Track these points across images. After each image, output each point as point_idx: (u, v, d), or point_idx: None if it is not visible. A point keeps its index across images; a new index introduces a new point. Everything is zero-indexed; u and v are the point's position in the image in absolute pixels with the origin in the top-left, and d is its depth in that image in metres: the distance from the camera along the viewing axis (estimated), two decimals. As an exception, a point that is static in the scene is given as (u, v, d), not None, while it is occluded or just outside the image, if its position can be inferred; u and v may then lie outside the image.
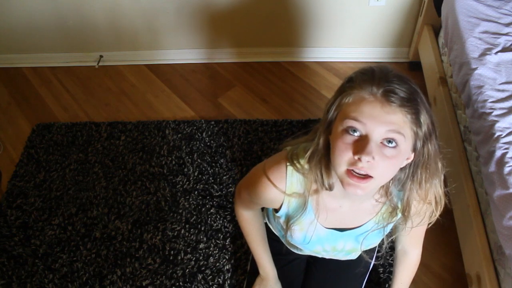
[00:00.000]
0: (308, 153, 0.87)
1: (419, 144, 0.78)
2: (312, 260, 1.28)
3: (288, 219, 1.00)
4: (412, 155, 0.80)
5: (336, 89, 0.82)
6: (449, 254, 1.53)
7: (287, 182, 0.92)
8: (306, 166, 0.89)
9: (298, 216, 0.97)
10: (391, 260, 1.50)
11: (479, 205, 1.34)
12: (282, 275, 1.24)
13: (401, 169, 0.83)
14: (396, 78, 0.75)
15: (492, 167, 1.18)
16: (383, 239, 1.02)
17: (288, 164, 0.91)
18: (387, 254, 1.52)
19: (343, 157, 0.76)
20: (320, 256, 1.17)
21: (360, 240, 1.01)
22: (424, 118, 0.76)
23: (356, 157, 0.74)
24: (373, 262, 1.29)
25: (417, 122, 0.75)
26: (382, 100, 0.73)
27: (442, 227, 1.58)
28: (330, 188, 0.88)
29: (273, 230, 1.25)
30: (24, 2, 2.08)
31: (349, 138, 0.75)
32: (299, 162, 0.90)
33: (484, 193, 1.30)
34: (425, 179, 0.84)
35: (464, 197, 1.39)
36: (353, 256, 1.15)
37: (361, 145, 0.74)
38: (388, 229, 0.99)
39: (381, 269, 1.48)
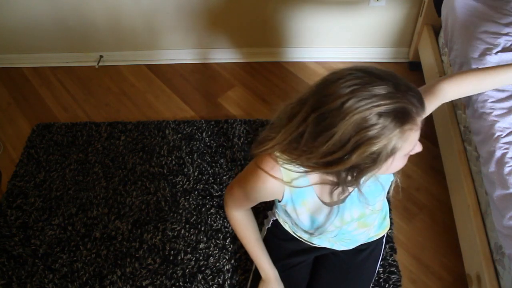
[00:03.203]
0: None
1: None
2: (318, 264, 1.28)
3: (294, 203, 1.00)
4: None
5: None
6: (449, 254, 1.53)
7: (281, 170, 0.91)
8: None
9: (302, 198, 0.98)
10: (391, 260, 1.50)
11: (479, 205, 1.34)
12: (287, 279, 1.23)
13: None
14: (410, 85, 0.76)
15: (492, 167, 1.18)
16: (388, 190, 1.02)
17: (277, 154, 0.89)
18: (387, 254, 1.52)
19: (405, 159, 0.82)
20: (333, 237, 1.14)
21: (363, 200, 0.98)
22: None
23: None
24: (379, 264, 1.30)
25: None
26: (417, 122, 0.76)
27: (442, 227, 1.59)
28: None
29: (285, 226, 1.24)
30: (24, 2, 2.08)
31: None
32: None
33: (484, 193, 1.30)
34: None
35: (464, 197, 1.39)
36: (365, 230, 1.13)
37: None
38: (382, 179, 0.98)
39: (381, 269, 1.49)
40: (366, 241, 1.22)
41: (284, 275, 1.23)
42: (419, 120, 0.75)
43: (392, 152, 0.74)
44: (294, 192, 0.98)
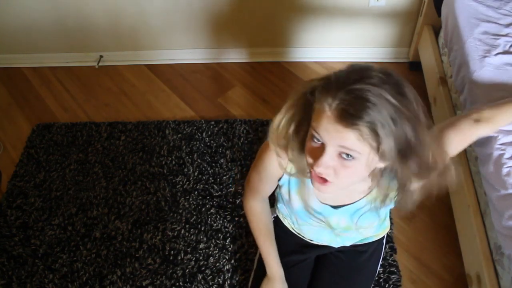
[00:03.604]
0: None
1: (389, 155, 0.75)
2: (319, 264, 1.28)
3: (289, 187, 1.04)
4: (383, 163, 0.79)
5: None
6: (449, 254, 1.53)
7: (288, 152, 0.94)
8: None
9: (298, 186, 1.02)
10: (392, 260, 1.50)
11: (479, 205, 1.35)
12: (288, 277, 1.23)
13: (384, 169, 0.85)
14: (357, 85, 0.71)
15: (490, 168, 1.18)
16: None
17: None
18: (387, 254, 1.52)
19: (308, 160, 0.82)
20: (316, 241, 1.18)
21: (355, 219, 1.04)
22: (384, 131, 0.71)
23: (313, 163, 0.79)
24: (379, 265, 1.30)
25: (376, 137, 0.71)
26: (336, 116, 0.72)
27: (442, 227, 1.59)
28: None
29: (284, 222, 1.25)
30: (24, 2, 2.08)
31: (313, 144, 0.79)
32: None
33: (483, 194, 1.30)
34: (411, 172, 0.82)
35: (464, 197, 1.39)
36: (353, 235, 1.16)
37: (317, 154, 0.78)
38: (382, 212, 1.00)
39: (381, 269, 1.49)
40: (364, 241, 1.22)
41: (285, 274, 1.23)
42: (334, 108, 0.72)
43: (312, 111, 0.78)
44: (293, 179, 1.02)
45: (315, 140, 0.78)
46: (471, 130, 1.02)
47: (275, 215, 1.29)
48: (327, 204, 1.03)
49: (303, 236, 1.23)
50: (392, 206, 0.99)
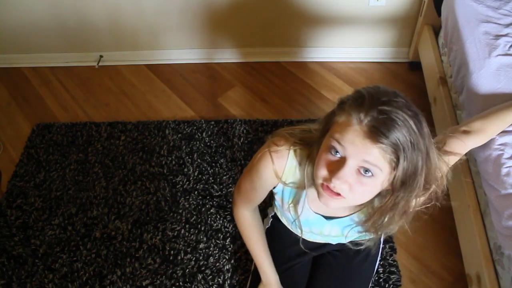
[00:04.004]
0: (304, 155, 0.92)
1: (397, 183, 0.78)
2: (316, 264, 1.29)
3: (283, 196, 1.05)
4: (390, 186, 0.81)
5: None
6: (449, 254, 1.53)
7: (287, 163, 0.95)
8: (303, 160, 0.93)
9: (292, 196, 1.02)
10: (391, 260, 1.50)
11: (479, 205, 1.35)
12: (285, 280, 1.24)
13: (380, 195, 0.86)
14: (388, 109, 0.74)
15: (490, 168, 1.19)
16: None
17: (291, 148, 0.95)
18: (387, 254, 1.52)
19: (321, 172, 0.81)
20: (313, 239, 1.20)
21: (346, 231, 1.05)
22: (404, 154, 0.74)
23: (329, 176, 0.79)
24: (376, 265, 1.30)
25: (396, 158, 0.75)
26: (365, 131, 0.74)
27: (442, 227, 1.59)
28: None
29: (282, 220, 1.25)
30: (24, 2, 2.08)
31: (330, 157, 0.79)
32: (301, 154, 0.94)
33: (483, 194, 1.30)
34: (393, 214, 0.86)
35: (464, 197, 1.39)
36: (342, 240, 1.17)
37: (337, 167, 0.78)
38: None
39: (381, 269, 1.49)
40: (361, 238, 1.21)
41: (284, 274, 1.24)
42: (365, 124, 0.74)
43: (332, 123, 0.81)
44: (287, 189, 1.02)
45: (333, 153, 0.78)
46: (461, 145, 1.04)
47: (273, 213, 1.30)
48: (319, 214, 1.04)
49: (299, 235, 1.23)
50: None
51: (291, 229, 1.24)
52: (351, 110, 0.76)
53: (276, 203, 1.17)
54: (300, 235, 1.20)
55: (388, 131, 0.73)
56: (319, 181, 0.82)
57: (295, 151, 0.95)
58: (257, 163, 1.00)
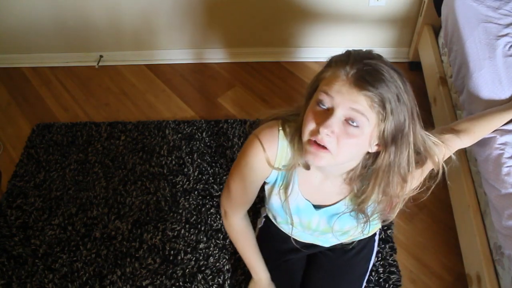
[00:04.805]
0: (293, 129, 0.92)
1: (387, 139, 0.80)
2: (309, 264, 1.29)
3: (274, 185, 1.03)
4: (376, 147, 0.83)
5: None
6: (449, 254, 1.53)
7: (278, 145, 0.94)
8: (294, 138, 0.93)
9: (282, 180, 1.01)
10: (391, 260, 1.50)
11: (479, 205, 1.35)
12: (278, 275, 1.25)
13: (365, 166, 0.88)
14: (373, 62, 0.77)
15: (490, 168, 1.19)
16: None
17: (280, 128, 0.94)
18: (387, 254, 1.52)
19: (308, 127, 0.81)
20: (304, 240, 1.19)
21: (332, 221, 1.04)
22: (390, 106, 0.77)
23: (316, 128, 0.80)
24: (371, 264, 1.30)
25: (383, 110, 0.77)
26: (352, 81, 0.77)
27: (442, 227, 1.59)
28: (306, 167, 0.93)
29: (274, 221, 1.24)
30: (24, 2, 2.08)
31: (317, 109, 0.81)
32: (290, 130, 0.93)
33: (483, 193, 1.30)
34: (387, 182, 0.87)
35: (464, 197, 1.39)
36: (331, 238, 1.16)
37: (324, 117, 0.79)
38: (361, 217, 1.00)
39: (381, 269, 1.49)
40: (353, 240, 1.21)
41: (277, 270, 1.25)
42: (351, 75, 0.77)
43: (318, 81, 0.84)
44: (281, 173, 1.00)
45: (321, 105, 0.80)
46: (450, 144, 1.03)
47: (265, 214, 1.30)
48: (309, 201, 1.02)
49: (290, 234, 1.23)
50: (376, 217, 1.00)
51: (282, 229, 1.23)
52: (338, 65, 0.80)
53: (266, 193, 1.13)
54: (290, 232, 1.19)
55: (374, 80, 0.76)
56: (306, 137, 0.82)
57: (284, 130, 0.94)
58: (247, 154, 0.97)
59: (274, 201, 1.05)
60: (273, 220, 1.25)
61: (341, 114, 0.78)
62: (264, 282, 1.23)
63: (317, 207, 1.03)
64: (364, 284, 1.29)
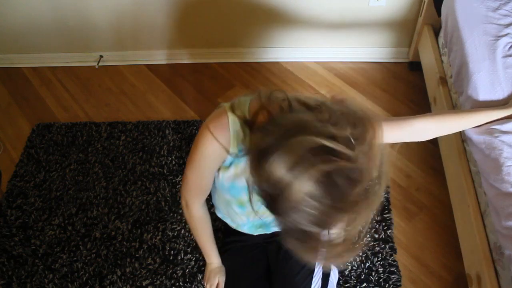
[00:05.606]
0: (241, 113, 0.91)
1: None
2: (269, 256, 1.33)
3: (230, 167, 1.02)
4: None
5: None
6: (449, 254, 1.53)
7: (230, 131, 0.92)
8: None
9: (240, 161, 1.00)
10: (391, 260, 1.50)
11: (479, 205, 1.35)
12: (245, 264, 1.32)
13: None
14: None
15: (490, 168, 1.18)
16: None
17: (229, 113, 0.92)
18: (387, 254, 1.52)
19: None
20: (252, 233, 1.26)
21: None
22: None
23: None
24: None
25: None
26: None
27: (442, 227, 1.59)
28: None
29: (225, 220, 1.30)
30: (24, 2, 2.08)
31: None
32: (240, 111, 0.92)
33: (483, 193, 1.30)
34: None
35: (464, 197, 1.39)
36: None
37: None
38: None
39: (381, 269, 1.49)
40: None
41: (242, 260, 1.31)
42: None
43: None
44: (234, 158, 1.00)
45: None
46: (409, 120, 1.05)
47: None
48: None
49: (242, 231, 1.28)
50: None
51: (230, 224, 1.29)
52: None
53: (225, 183, 1.11)
54: (242, 228, 1.24)
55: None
56: None
57: (234, 113, 0.92)
58: (200, 145, 0.97)
59: (227, 178, 1.04)
60: (230, 224, 1.30)
61: None
62: (215, 266, 1.35)
63: None
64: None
